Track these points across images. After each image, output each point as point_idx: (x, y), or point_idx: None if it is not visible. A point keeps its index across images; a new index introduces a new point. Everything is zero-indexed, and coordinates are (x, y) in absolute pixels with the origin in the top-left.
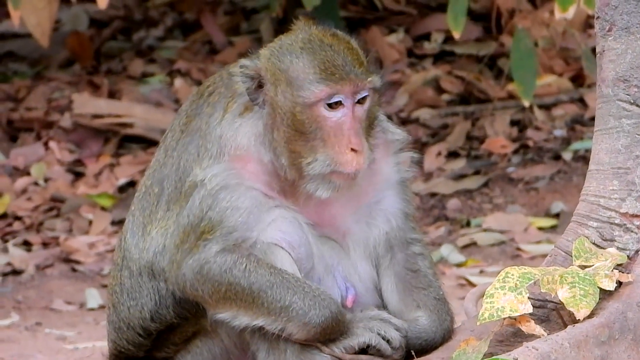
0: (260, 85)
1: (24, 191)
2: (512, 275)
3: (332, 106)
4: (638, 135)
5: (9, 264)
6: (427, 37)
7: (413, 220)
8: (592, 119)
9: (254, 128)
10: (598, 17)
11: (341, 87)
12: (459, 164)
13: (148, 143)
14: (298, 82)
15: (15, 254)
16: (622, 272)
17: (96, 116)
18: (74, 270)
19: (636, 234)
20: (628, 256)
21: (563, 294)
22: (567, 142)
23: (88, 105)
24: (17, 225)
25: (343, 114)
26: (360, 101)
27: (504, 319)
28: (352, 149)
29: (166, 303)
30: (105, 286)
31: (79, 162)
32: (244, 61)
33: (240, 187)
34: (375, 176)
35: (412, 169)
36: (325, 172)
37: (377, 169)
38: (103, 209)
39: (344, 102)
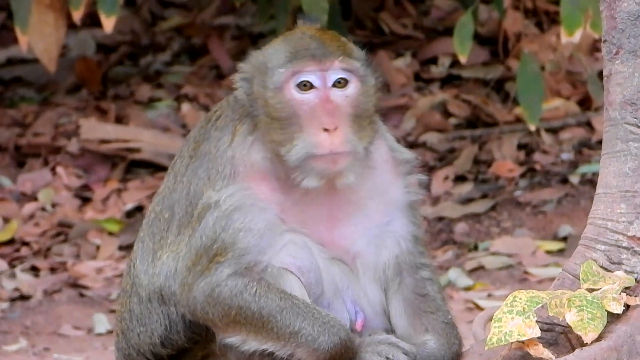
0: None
1: (31, 216)
2: (520, 299)
3: (302, 88)
4: None
5: (16, 289)
6: (434, 61)
7: (422, 244)
8: (600, 142)
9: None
10: (605, 41)
11: (305, 64)
12: (467, 188)
13: (155, 168)
14: (270, 69)
15: (23, 280)
16: (630, 295)
17: (103, 141)
18: (81, 295)
19: None
20: (636, 279)
21: (571, 318)
22: (574, 165)
23: (95, 130)
24: (24, 251)
25: (315, 96)
26: (338, 85)
27: (512, 342)
28: (325, 129)
29: (177, 328)
30: (113, 311)
31: (86, 187)
32: (240, 64)
33: (254, 209)
34: (384, 196)
35: (421, 192)
36: (303, 158)
37: (386, 189)
38: (110, 234)
39: (315, 83)
